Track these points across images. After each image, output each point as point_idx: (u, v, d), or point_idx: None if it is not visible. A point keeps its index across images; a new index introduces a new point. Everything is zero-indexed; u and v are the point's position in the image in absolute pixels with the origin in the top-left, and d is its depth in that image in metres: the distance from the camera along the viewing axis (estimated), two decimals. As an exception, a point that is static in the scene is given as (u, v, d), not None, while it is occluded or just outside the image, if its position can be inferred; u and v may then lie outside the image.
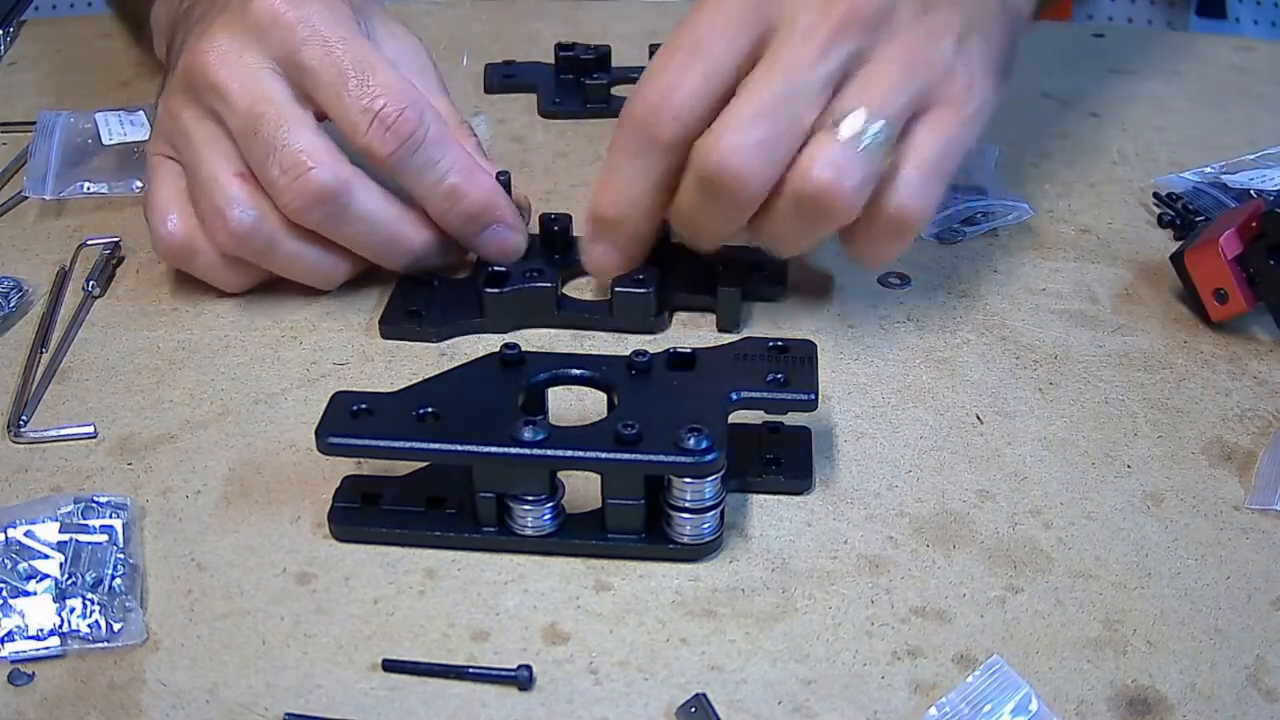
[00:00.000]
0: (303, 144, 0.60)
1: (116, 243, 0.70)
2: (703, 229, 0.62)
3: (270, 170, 0.60)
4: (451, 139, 0.63)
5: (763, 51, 0.58)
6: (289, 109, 0.61)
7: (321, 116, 0.62)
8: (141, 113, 0.76)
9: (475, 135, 0.67)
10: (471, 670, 0.48)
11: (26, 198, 0.74)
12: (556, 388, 0.55)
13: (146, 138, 0.73)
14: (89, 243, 0.70)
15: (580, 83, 0.85)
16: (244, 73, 0.61)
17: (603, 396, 0.55)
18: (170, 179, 0.64)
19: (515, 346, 0.55)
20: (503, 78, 0.87)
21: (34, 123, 0.77)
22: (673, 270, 0.67)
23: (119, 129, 0.75)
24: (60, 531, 0.52)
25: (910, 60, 0.58)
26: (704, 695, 0.47)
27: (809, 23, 0.57)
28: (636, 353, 0.55)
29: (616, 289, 0.64)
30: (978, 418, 0.60)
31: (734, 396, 0.53)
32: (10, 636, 0.49)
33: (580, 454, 0.51)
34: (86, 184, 0.73)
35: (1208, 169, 0.77)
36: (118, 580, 0.51)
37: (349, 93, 0.61)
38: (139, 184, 0.73)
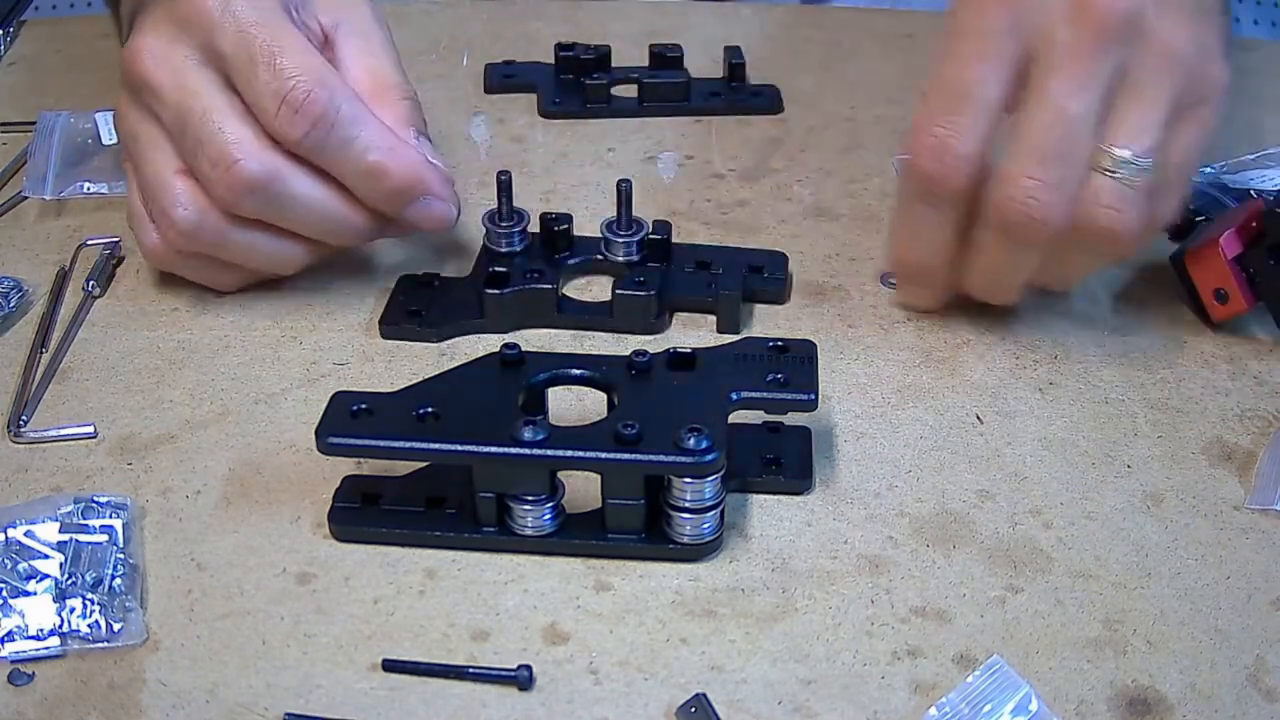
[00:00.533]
0: (230, 135, 0.59)
1: (116, 243, 0.70)
2: (1004, 277, 0.62)
3: (201, 164, 0.60)
4: (368, 115, 0.62)
5: (1028, 77, 0.57)
6: (215, 100, 0.60)
7: None
8: (143, 113, 0.76)
9: (410, 98, 0.65)
10: (471, 670, 0.48)
11: (26, 198, 0.74)
12: (556, 388, 0.55)
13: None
14: (89, 243, 0.70)
15: (580, 83, 0.84)
16: (171, 67, 0.60)
17: (603, 396, 0.55)
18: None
19: (515, 346, 0.55)
20: (503, 78, 0.87)
21: (34, 123, 0.77)
22: (673, 271, 0.67)
23: None
24: (60, 531, 0.52)
25: (1165, 69, 0.57)
26: (704, 695, 0.47)
27: (1067, 42, 0.56)
28: (636, 353, 0.55)
29: (618, 291, 0.64)
30: (978, 418, 0.60)
31: (734, 396, 0.53)
32: (10, 636, 0.49)
33: (580, 454, 0.51)
34: (86, 184, 0.73)
35: (1208, 169, 0.76)
36: (118, 580, 0.51)
37: (258, 77, 0.59)
38: (138, 185, 0.73)
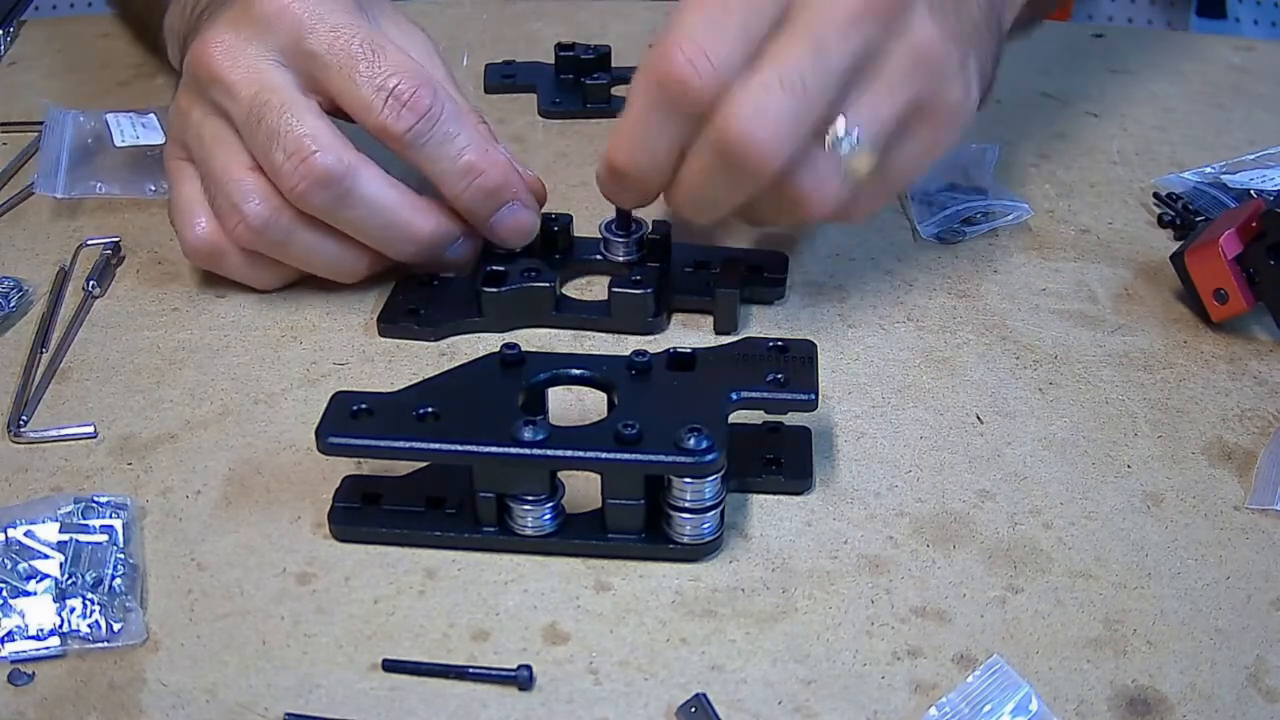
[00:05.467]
0: (306, 129, 0.60)
1: (116, 243, 0.70)
2: (706, 199, 0.60)
3: (274, 156, 0.60)
4: (465, 116, 0.63)
5: (790, 15, 0.56)
6: (292, 96, 0.61)
7: (328, 106, 0.62)
8: (153, 115, 0.75)
9: (486, 122, 0.66)
10: (471, 670, 0.48)
11: (29, 197, 0.74)
12: (556, 388, 0.55)
13: (159, 141, 0.73)
14: (89, 243, 0.70)
15: (580, 83, 0.85)
16: (247, 64, 0.61)
17: (603, 396, 0.55)
18: (191, 181, 0.64)
19: (515, 346, 0.55)
20: (502, 78, 0.87)
21: (34, 123, 0.77)
22: (671, 271, 0.67)
23: (131, 131, 0.74)
24: (60, 531, 0.52)
25: (913, 69, 0.58)
26: (704, 695, 0.47)
27: (835, 3, 0.56)
28: (636, 353, 0.55)
29: (615, 289, 0.64)
30: (978, 418, 0.60)
31: (734, 396, 0.53)
32: (10, 636, 0.49)
33: (580, 454, 0.51)
34: (100, 185, 0.73)
35: (1208, 169, 0.77)
36: (118, 580, 0.51)
37: (360, 73, 0.61)
38: (152, 188, 0.73)
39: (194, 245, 0.64)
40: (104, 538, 0.52)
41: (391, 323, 0.65)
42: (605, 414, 0.54)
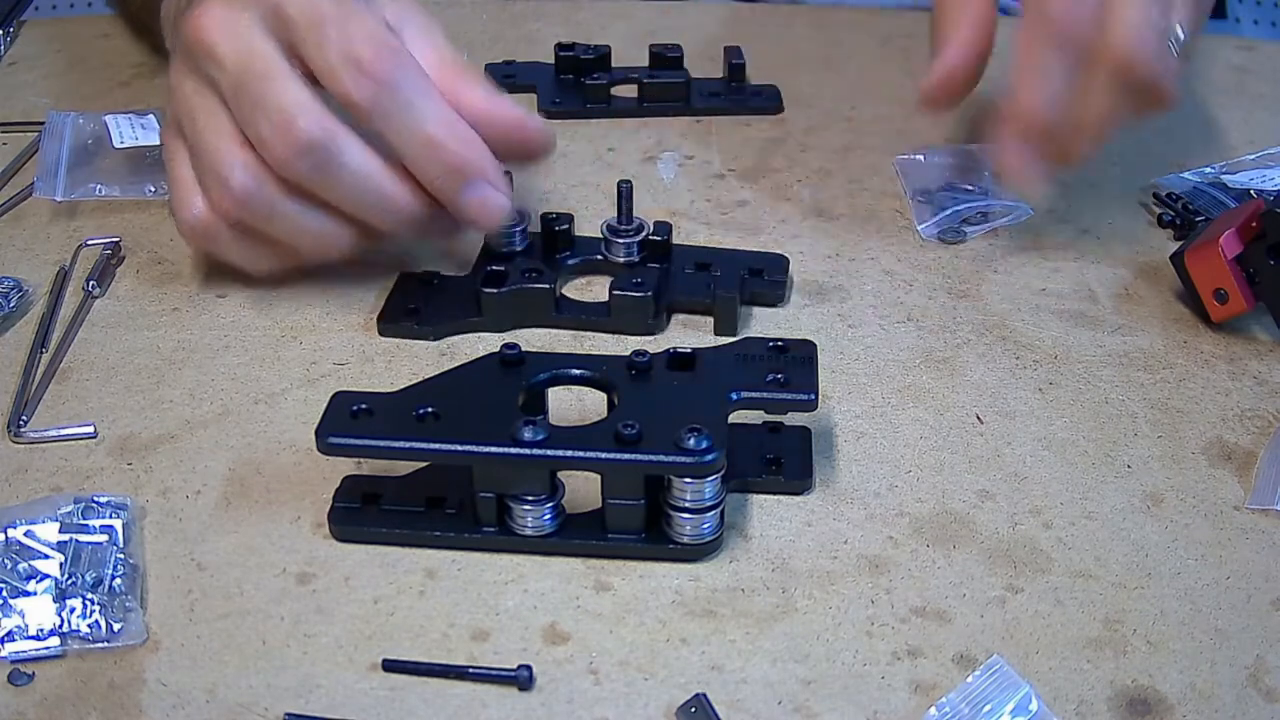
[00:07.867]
0: (289, 97, 0.60)
1: (116, 243, 0.70)
2: (1102, 123, 0.66)
3: (259, 124, 0.60)
4: (431, 90, 0.61)
5: None
6: (276, 65, 0.60)
7: (310, 74, 0.62)
8: (152, 116, 0.76)
9: (483, 81, 0.65)
10: (471, 670, 0.48)
11: (27, 198, 0.74)
12: (556, 388, 0.55)
13: (158, 142, 0.73)
14: (89, 243, 0.70)
15: (580, 83, 0.84)
16: (233, 32, 0.61)
17: (603, 396, 0.55)
18: (186, 161, 0.64)
19: (515, 346, 0.55)
20: (503, 78, 0.87)
21: (34, 123, 0.77)
22: (672, 272, 0.67)
23: (130, 133, 0.74)
24: (60, 531, 0.52)
25: None
26: (704, 695, 0.47)
27: None
28: (636, 353, 0.55)
29: (615, 291, 0.64)
30: (978, 418, 0.60)
31: (734, 396, 0.53)
32: (10, 636, 0.49)
33: (580, 454, 0.51)
34: (99, 187, 0.73)
35: (1208, 169, 0.77)
36: (118, 580, 0.51)
37: (327, 39, 0.60)
38: (151, 188, 0.73)
39: (189, 225, 0.63)
40: (104, 538, 0.52)
41: (392, 322, 0.65)
42: (605, 414, 0.54)
